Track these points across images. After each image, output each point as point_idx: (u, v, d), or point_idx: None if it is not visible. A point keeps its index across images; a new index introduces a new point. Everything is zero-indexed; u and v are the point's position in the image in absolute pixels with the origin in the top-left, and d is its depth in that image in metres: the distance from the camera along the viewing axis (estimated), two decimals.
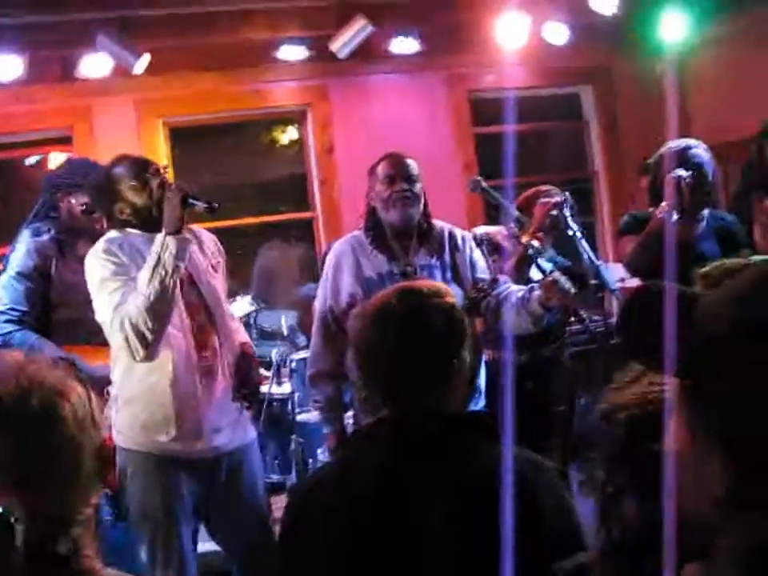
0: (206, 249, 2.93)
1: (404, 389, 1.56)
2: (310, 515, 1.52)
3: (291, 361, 4.22)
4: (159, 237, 2.65)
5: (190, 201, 2.67)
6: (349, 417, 3.22)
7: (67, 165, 3.60)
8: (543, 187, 3.96)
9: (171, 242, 2.63)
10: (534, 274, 3.41)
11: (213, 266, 2.90)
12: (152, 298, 2.59)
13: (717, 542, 0.68)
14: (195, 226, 3.00)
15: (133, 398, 2.74)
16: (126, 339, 2.62)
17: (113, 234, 2.81)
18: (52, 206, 3.44)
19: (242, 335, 3.01)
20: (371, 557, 1.44)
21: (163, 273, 2.61)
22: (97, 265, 2.72)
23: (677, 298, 0.78)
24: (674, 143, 3.57)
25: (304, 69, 5.33)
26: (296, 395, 4.08)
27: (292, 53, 5.19)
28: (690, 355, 0.69)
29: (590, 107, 6.10)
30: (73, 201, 3.36)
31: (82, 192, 3.33)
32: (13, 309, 3.27)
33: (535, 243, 3.18)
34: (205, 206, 2.69)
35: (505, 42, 5.21)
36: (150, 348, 2.63)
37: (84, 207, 3.34)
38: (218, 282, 2.90)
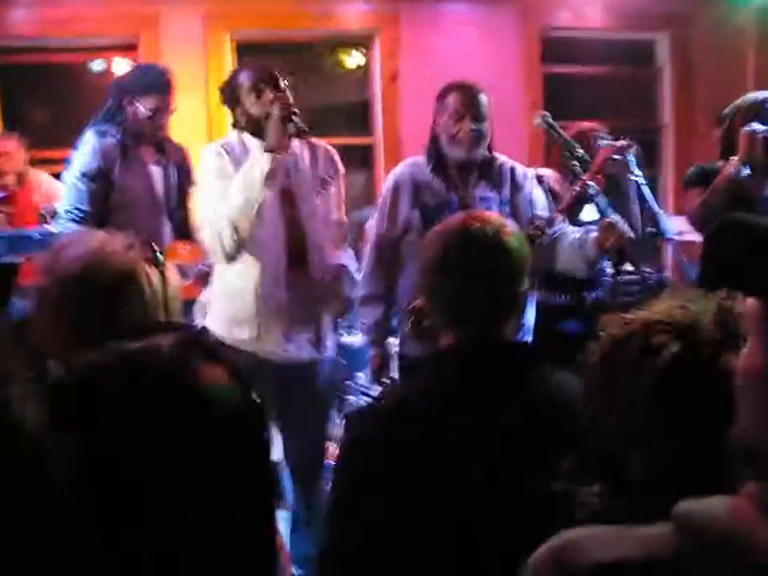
0: (320, 163, 2.97)
1: (470, 313, 1.55)
2: (374, 442, 1.51)
3: None
4: (256, 152, 2.74)
5: (290, 122, 2.73)
6: (394, 343, 3.24)
7: (135, 70, 3.61)
8: (597, 125, 3.84)
9: (266, 159, 2.71)
10: (590, 216, 3.35)
11: (323, 181, 2.95)
12: (235, 209, 2.71)
13: None
14: (315, 140, 3.03)
15: (221, 297, 2.90)
16: (209, 240, 2.77)
17: (230, 136, 2.94)
18: (118, 109, 3.45)
19: (342, 257, 3.05)
20: (435, 481, 1.43)
21: (250, 188, 2.71)
22: (205, 162, 2.87)
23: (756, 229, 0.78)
24: (752, 95, 3.45)
25: None
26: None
27: None
28: None
29: (665, 55, 5.90)
30: (139, 106, 3.36)
31: (148, 97, 3.35)
32: (77, 209, 3.32)
33: (593, 184, 3.13)
34: (294, 129, 2.74)
35: None
36: (229, 253, 2.77)
37: (150, 113, 3.35)
38: (326, 199, 2.95)
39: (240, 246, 2.76)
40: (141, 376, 0.86)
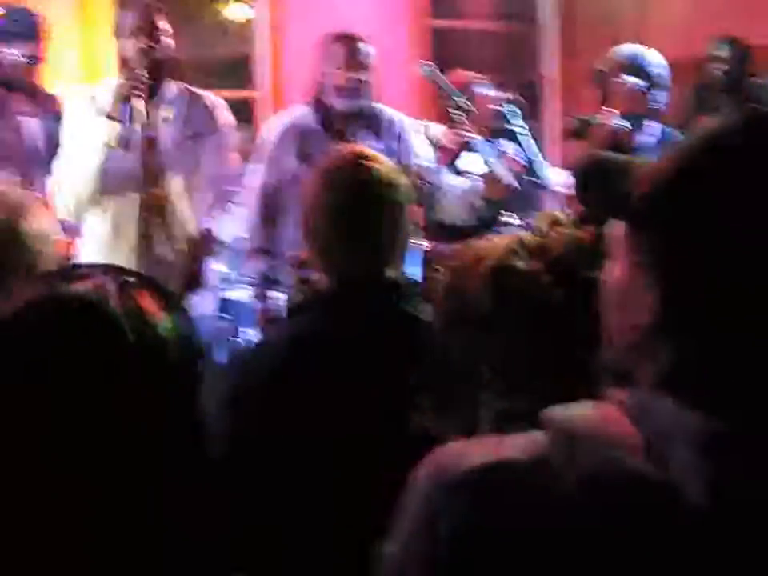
0: (193, 116, 2.85)
1: (352, 252, 1.54)
2: (252, 383, 1.50)
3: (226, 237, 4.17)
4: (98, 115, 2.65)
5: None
6: (281, 297, 3.22)
7: (4, 15, 3.43)
8: (477, 75, 3.88)
9: (108, 128, 2.63)
10: (474, 166, 3.41)
11: (196, 134, 2.83)
12: (73, 174, 2.67)
13: (640, 369, 0.72)
14: (203, 92, 2.93)
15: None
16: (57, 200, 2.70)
17: (104, 84, 2.84)
18: None
19: (210, 223, 2.92)
20: (312, 418, 1.43)
21: (87, 155, 2.64)
22: (69, 114, 2.80)
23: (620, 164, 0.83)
24: (623, 48, 3.52)
25: None
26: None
27: None
28: (640, 202, 0.72)
29: (548, 9, 6.01)
30: (7, 53, 3.21)
31: (17, 43, 3.20)
32: None
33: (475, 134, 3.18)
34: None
35: None
36: (76, 214, 2.73)
37: (19, 60, 3.20)
38: (198, 152, 2.83)
39: (85, 206, 2.70)
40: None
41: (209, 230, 2.89)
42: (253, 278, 3.14)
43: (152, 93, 2.73)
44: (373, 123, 3.09)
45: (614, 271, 0.75)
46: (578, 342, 0.95)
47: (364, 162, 1.57)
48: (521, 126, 3.39)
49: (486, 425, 1.00)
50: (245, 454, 1.43)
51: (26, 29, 3.22)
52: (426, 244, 3.33)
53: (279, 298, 3.20)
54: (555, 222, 1.09)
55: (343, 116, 3.03)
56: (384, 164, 1.60)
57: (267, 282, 3.10)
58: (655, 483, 0.65)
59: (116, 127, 2.61)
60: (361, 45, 3.03)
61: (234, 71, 5.64)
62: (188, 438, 0.88)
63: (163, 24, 2.76)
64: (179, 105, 2.84)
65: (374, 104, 3.10)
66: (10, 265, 1.18)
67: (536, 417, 0.71)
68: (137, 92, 2.60)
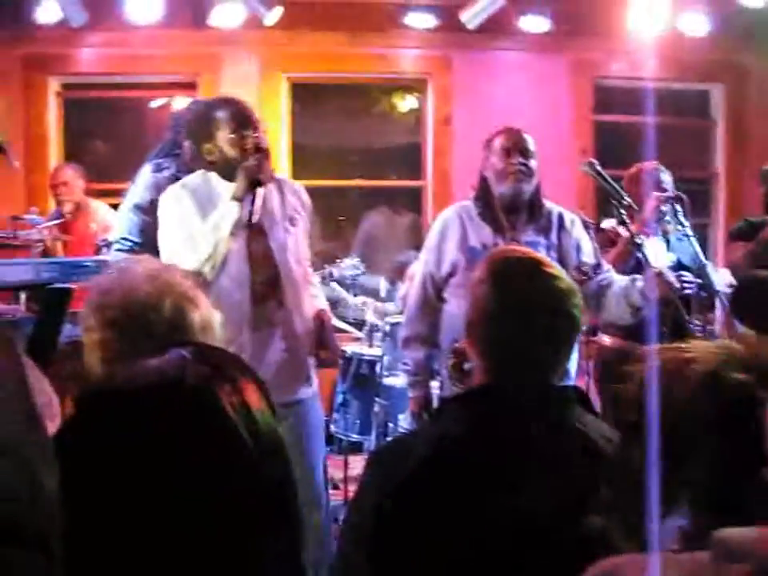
0: (287, 199, 2.88)
1: (517, 355, 1.53)
2: (397, 478, 1.47)
3: (385, 324, 4.26)
4: (225, 201, 2.67)
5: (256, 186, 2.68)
6: (435, 387, 3.24)
7: (193, 105, 3.67)
8: (648, 165, 3.83)
9: (235, 207, 2.65)
10: (638, 265, 3.35)
11: (290, 219, 2.85)
12: (203, 256, 2.63)
13: None
14: (280, 175, 2.99)
15: None
16: None
17: (194, 177, 2.81)
18: (175, 145, 3.53)
19: (319, 301, 2.95)
20: (461, 516, 1.42)
21: (218, 236, 2.64)
22: (164, 208, 2.76)
23: None
24: None
25: (429, 38, 5.32)
26: (385, 358, 4.12)
27: (419, 20, 5.18)
28: None
29: (719, 107, 5.90)
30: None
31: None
32: (125, 239, 3.37)
33: (639, 234, 3.13)
34: (263, 177, 2.68)
35: (637, 30, 5.08)
36: None
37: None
38: (294, 237, 2.84)
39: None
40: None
41: (323, 311, 2.89)
42: (408, 365, 3.18)
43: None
44: (535, 217, 3.09)
45: None
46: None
47: (542, 268, 1.58)
48: (684, 225, 3.31)
49: (666, 539, 0.96)
50: (391, 550, 1.43)
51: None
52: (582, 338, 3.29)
53: (434, 386, 3.23)
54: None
55: (506, 206, 3.05)
56: (560, 273, 1.59)
57: (423, 370, 3.13)
58: None
59: (236, 210, 2.65)
60: (522, 134, 3.09)
61: (403, 161, 5.83)
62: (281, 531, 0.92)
63: (260, 124, 2.80)
64: (273, 192, 2.85)
65: (537, 197, 3.10)
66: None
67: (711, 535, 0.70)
68: (262, 178, 2.68)
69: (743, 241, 3.47)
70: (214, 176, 2.77)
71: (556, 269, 1.60)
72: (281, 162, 5.23)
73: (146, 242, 3.37)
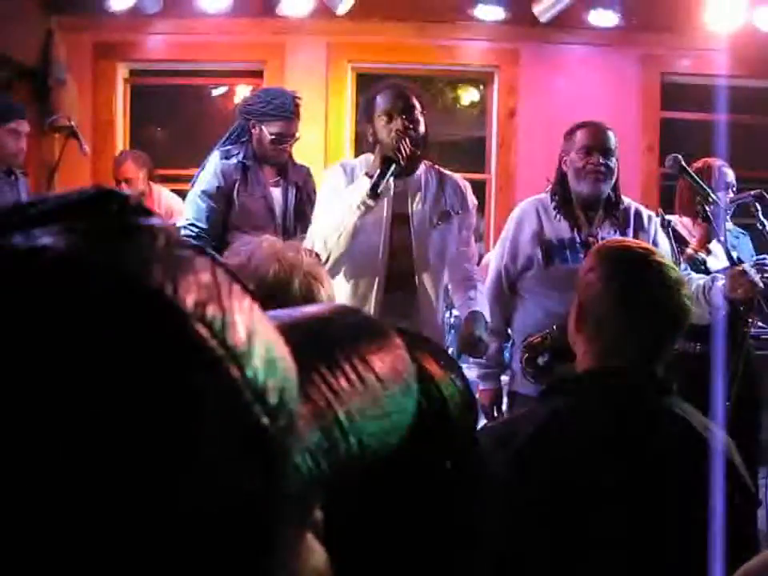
0: (446, 195, 2.94)
1: (630, 343, 1.53)
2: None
3: (450, 317, 4.23)
4: (359, 174, 2.78)
5: (390, 164, 2.74)
6: (505, 380, 3.21)
7: (262, 93, 3.65)
8: (713, 160, 3.74)
9: (365, 182, 2.72)
10: (717, 263, 3.28)
11: (443, 214, 2.90)
12: (327, 227, 2.74)
13: None
14: (447, 171, 3.04)
15: None
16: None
17: (359, 158, 2.99)
18: (244, 131, 3.54)
19: (475, 303, 2.88)
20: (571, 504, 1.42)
21: (343, 210, 2.71)
22: (324, 181, 3.00)
23: None
24: None
25: (497, 30, 5.27)
26: (451, 351, 4.09)
27: (488, 12, 5.13)
28: None
29: None
30: (264, 129, 3.43)
31: (274, 122, 3.42)
32: (193, 224, 3.39)
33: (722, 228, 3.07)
34: (390, 170, 2.74)
35: (710, 25, 4.98)
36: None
37: (274, 137, 3.42)
38: (442, 233, 2.89)
39: (330, 264, 2.70)
40: None
41: (469, 317, 2.82)
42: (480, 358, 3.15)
43: (408, 171, 2.85)
44: (612, 213, 3.04)
45: None
46: None
47: (654, 258, 1.59)
48: (765, 224, 3.24)
49: None
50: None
51: (283, 109, 3.44)
52: None
53: (505, 380, 3.20)
54: None
55: (583, 203, 3.01)
56: (671, 263, 1.62)
57: (496, 363, 3.11)
58: None
59: (365, 184, 2.73)
60: (605, 130, 3.01)
61: (466, 154, 5.80)
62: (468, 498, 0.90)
63: (418, 104, 2.87)
64: (430, 184, 2.93)
65: (615, 193, 3.05)
66: None
67: None
68: (399, 160, 2.73)
69: None
70: (371, 156, 2.90)
71: (666, 259, 1.61)
72: (344, 152, 5.22)
73: (213, 227, 3.40)
